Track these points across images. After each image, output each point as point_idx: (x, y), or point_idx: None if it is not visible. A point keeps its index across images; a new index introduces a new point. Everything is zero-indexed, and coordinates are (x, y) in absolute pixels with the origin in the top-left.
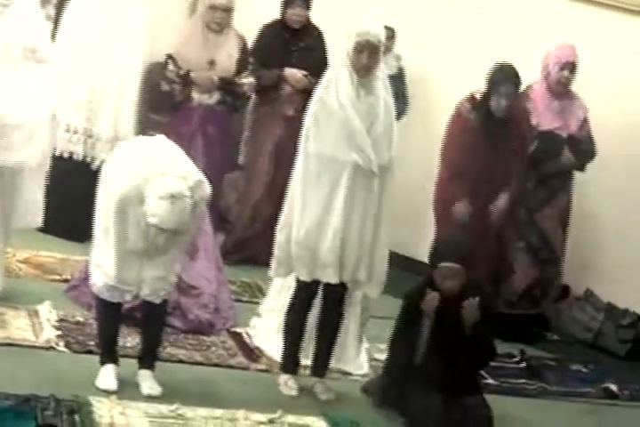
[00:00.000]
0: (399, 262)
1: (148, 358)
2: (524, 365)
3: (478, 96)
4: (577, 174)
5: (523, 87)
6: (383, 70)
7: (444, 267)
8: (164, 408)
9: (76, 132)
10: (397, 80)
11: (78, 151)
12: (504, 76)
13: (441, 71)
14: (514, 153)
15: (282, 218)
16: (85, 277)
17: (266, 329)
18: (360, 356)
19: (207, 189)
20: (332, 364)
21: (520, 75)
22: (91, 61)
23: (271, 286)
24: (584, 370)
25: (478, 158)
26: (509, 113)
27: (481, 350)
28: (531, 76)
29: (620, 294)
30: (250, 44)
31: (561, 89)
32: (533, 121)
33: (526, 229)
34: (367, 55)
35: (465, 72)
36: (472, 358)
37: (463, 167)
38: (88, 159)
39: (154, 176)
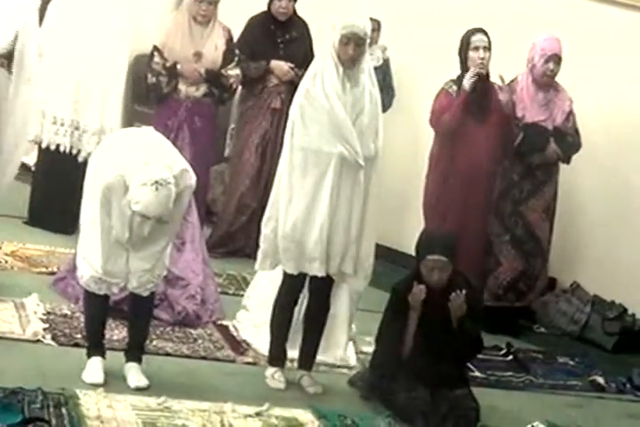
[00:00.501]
0: (386, 255)
1: (135, 351)
2: (510, 357)
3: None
4: (564, 167)
5: (508, 80)
6: (369, 62)
7: (431, 260)
8: (151, 401)
9: (62, 125)
10: (383, 72)
11: (65, 143)
12: (474, 30)
13: (426, 63)
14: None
15: (268, 211)
16: (72, 270)
17: (252, 322)
18: (347, 349)
19: (192, 178)
20: (319, 357)
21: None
22: (77, 54)
23: (255, 279)
24: (571, 363)
25: (467, 122)
26: (488, 73)
27: (468, 343)
28: (517, 69)
29: (607, 286)
30: (236, 36)
31: (546, 81)
32: (519, 113)
33: (512, 222)
34: (353, 47)
35: (450, 64)
36: (459, 351)
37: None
38: (75, 151)
39: (138, 165)
